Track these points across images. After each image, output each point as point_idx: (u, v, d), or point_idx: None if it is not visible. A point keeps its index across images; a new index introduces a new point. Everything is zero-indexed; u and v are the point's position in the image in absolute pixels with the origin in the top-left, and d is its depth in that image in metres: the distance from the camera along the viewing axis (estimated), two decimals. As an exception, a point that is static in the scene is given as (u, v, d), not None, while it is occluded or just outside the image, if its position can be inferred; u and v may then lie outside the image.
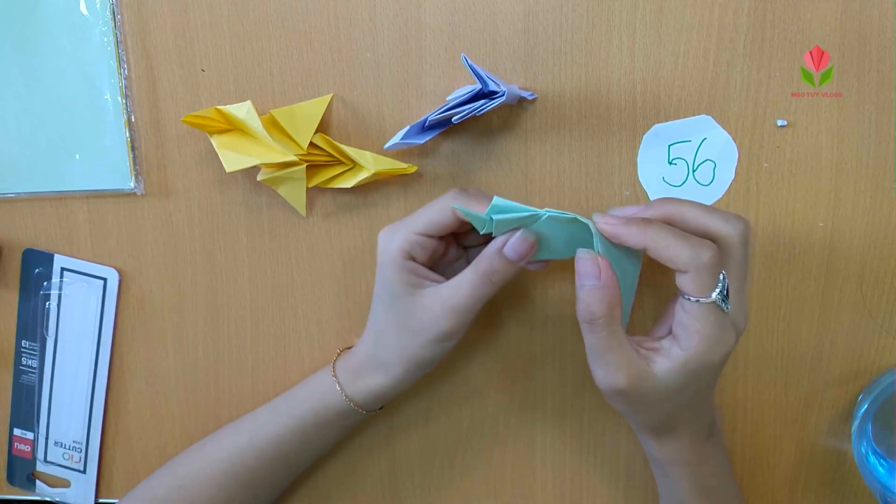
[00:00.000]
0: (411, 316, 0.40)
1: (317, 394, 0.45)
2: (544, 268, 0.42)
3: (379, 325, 0.42)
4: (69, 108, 0.49)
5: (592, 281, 0.36)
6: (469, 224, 0.39)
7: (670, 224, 0.37)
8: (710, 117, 0.44)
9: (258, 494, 0.47)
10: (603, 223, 0.36)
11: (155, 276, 0.51)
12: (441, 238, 0.41)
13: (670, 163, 0.45)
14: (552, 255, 0.39)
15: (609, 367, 0.36)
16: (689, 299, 0.35)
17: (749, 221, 0.38)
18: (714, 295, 0.35)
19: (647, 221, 0.36)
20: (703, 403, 0.40)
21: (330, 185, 0.46)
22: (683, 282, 0.35)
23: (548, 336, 0.48)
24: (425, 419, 0.50)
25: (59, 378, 0.53)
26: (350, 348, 0.47)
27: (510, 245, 0.38)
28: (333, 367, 0.45)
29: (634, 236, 0.36)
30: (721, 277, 0.35)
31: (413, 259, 0.40)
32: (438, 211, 0.39)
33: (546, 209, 0.37)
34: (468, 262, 0.41)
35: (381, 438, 0.51)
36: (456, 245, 0.44)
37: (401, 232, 0.40)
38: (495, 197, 0.37)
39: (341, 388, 0.43)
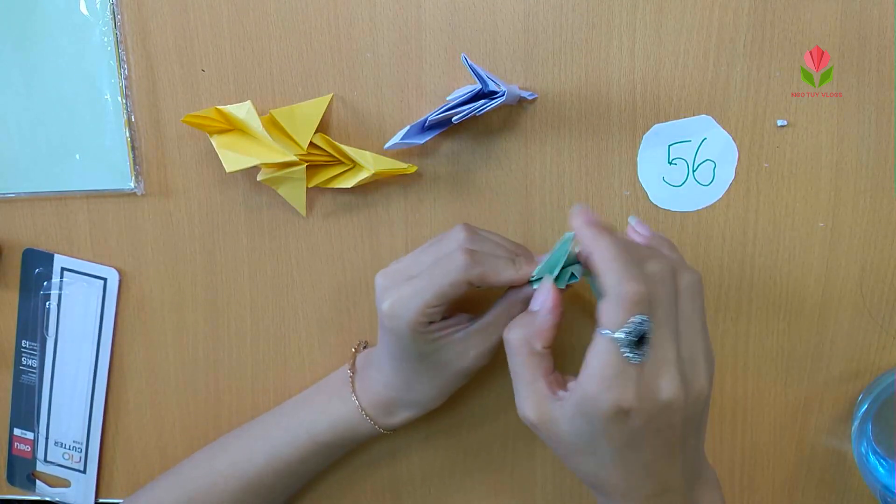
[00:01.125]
0: (444, 363, 0.41)
1: (344, 423, 0.44)
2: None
3: (406, 375, 0.42)
4: (69, 108, 0.49)
5: (534, 306, 0.37)
6: None
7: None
8: (710, 117, 0.44)
9: (270, 502, 0.47)
10: (574, 217, 0.36)
11: (155, 276, 0.51)
12: None
13: (670, 163, 0.45)
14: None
15: (520, 397, 0.35)
16: (598, 331, 0.33)
17: (650, 288, 0.33)
18: (618, 333, 0.32)
19: (608, 231, 0.35)
20: (646, 482, 0.34)
21: (330, 185, 0.46)
22: (600, 307, 0.33)
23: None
24: (425, 419, 0.50)
25: (59, 378, 0.53)
26: (355, 362, 0.47)
27: (537, 301, 0.38)
28: (356, 396, 0.44)
29: (586, 238, 0.35)
30: (637, 321, 0.32)
31: (432, 322, 0.39)
32: (453, 286, 0.37)
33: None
34: None
35: (381, 438, 0.51)
36: None
37: (413, 304, 0.38)
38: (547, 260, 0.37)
39: (373, 421, 0.44)
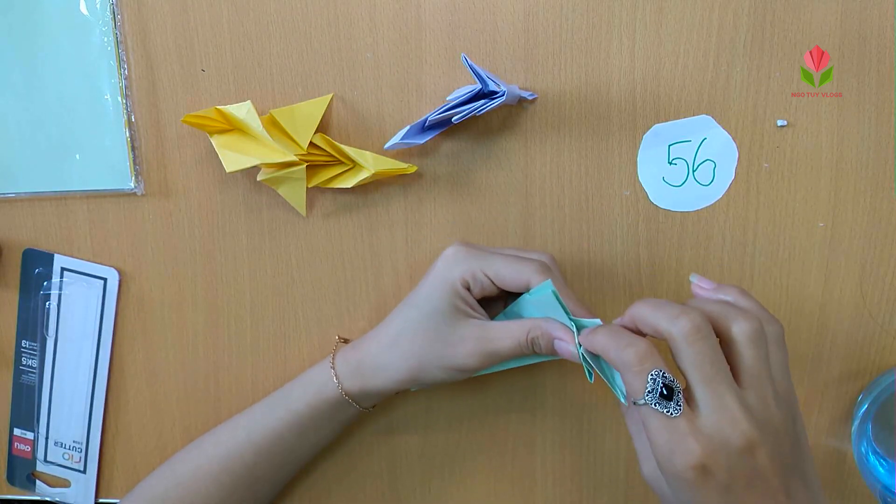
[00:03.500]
0: (444, 339, 0.41)
1: (314, 387, 0.45)
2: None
3: (402, 329, 0.42)
4: (69, 108, 0.49)
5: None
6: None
7: (636, 326, 0.35)
8: (710, 117, 0.44)
9: (256, 492, 0.47)
10: (581, 339, 0.37)
11: (155, 276, 0.51)
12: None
13: (670, 163, 0.45)
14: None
15: (638, 456, 0.36)
16: (633, 403, 0.33)
17: (706, 316, 0.33)
18: (645, 397, 0.32)
19: (599, 329, 0.36)
20: None
21: (330, 185, 0.46)
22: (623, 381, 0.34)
23: (548, 336, 0.48)
24: (425, 418, 0.50)
25: (59, 378, 0.53)
26: (347, 340, 0.47)
27: (560, 346, 0.38)
28: (333, 360, 0.45)
29: (589, 345, 0.36)
30: (650, 377, 0.32)
31: (468, 289, 0.41)
32: (516, 273, 0.40)
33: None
34: (505, 303, 0.43)
35: (381, 437, 0.51)
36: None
37: (472, 263, 0.41)
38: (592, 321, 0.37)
39: (338, 381, 0.44)
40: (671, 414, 0.32)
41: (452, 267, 0.41)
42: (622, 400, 0.35)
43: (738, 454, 0.31)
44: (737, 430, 0.31)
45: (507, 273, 0.40)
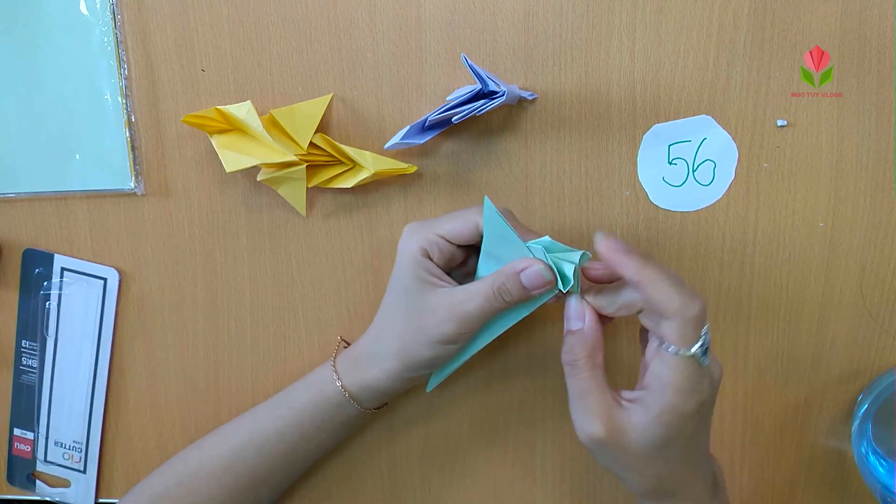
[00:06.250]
0: (417, 313, 0.41)
1: (316, 385, 0.45)
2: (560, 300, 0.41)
3: (385, 316, 0.43)
4: (69, 108, 0.49)
5: (577, 324, 0.38)
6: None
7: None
8: (710, 117, 0.44)
9: (259, 493, 0.47)
10: (604, 245, 0.37)
11: (155, 276, 0.51)
12: (461, 246, 0.42)
13: (670, 163, 0.45)
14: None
15: (587, 412, 0.37)
16: (668, 350, 0.35)
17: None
18: (694, 349, 0.35)
19: (647, 258, 0.36)
20: (698, 461, 0.39)
21: (330, 185, 0.46)
22: (666, 329, 0.35)
23: (548, 335, 0.48)
24: (425, 419, 0.50)
25: (59, 378, 0.53)
26: (349, 344, 0.47)
27: (527, 275, 0.38)
28: (334, 359, 0.45)
29: (632, 268, 0.36)
30: (704, 331, 0.35)
31: (429, 258, 0.41)
32: (464, 222, 0.40)
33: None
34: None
35: (381, 438, 0.51)
36: (476, 255, 0.43)
37: (424, 230, 0.41)
38: (546, 237, 0.39)
39: (339, 378, 0.44)
40: (704, 365, 0.36)
41: (410, 240, 0.41)
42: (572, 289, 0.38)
43: (717, 387, 0.38)
44: (718, 367, 0.38)
45: (456, 224, 0.41)
